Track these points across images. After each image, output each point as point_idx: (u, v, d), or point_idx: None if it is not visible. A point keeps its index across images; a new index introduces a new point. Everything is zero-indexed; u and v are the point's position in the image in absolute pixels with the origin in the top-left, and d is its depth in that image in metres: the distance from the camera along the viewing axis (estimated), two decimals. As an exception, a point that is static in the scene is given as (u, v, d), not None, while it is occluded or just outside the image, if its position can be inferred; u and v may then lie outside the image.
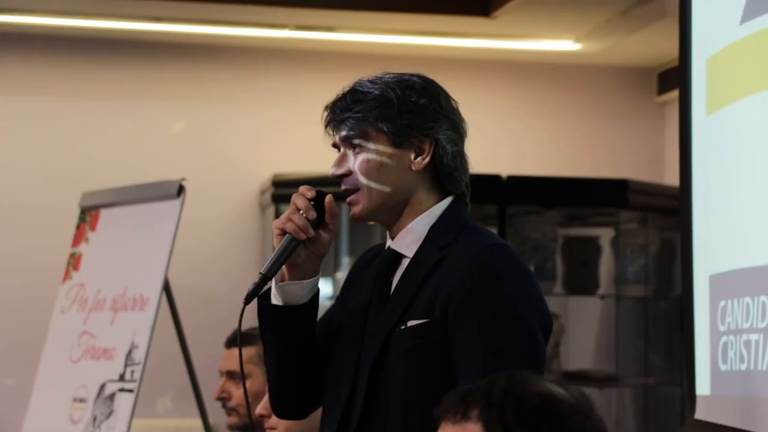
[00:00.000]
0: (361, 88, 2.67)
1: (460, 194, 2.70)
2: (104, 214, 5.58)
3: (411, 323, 2.56)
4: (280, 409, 2.83)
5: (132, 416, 4.86)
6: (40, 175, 6.73)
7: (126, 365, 5.01)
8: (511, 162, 6.93)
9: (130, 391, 4.92)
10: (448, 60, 6.99)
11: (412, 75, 2.71)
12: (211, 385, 5.97)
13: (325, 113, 2.70)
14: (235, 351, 4.24)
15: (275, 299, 2.69)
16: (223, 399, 4.45)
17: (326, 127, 2.70)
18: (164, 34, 6.73)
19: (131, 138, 6.87)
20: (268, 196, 6.67)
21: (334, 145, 2.70)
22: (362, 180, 2.63)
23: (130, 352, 5.02)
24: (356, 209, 2.66)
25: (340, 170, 2.66)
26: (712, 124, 3.19)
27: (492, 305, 2.52)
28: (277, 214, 6.72)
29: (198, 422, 5.48)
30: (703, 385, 3.23)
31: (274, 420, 3.23)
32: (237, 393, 4.45)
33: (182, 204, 5.13)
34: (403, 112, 2.62)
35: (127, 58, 6.89)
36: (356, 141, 2.63)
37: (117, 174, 6.36)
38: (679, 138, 3.39)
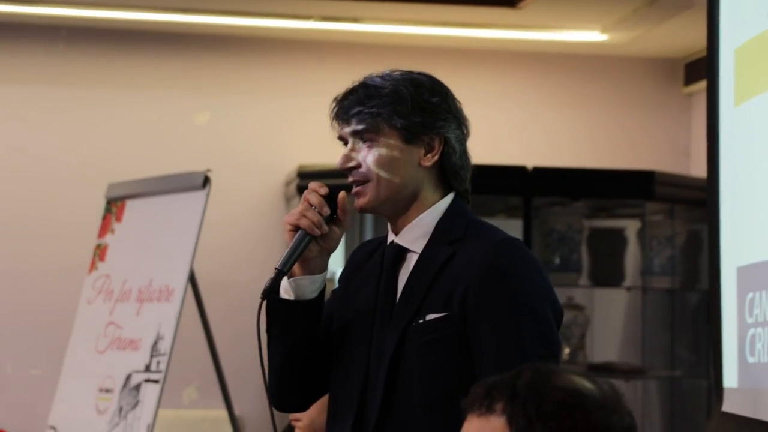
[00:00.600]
0: (373, 83, 2.69)
1: (462, 191, 2.74)
2: (130, 205, 5.59)
3: (429, 317, 2.59)
4: (281, 402, 2.84)
5: (158, 407, 4.88)
6: (66, 166, 6.75)
7: (152, 356, 5.02)
8: (536, 153, 6.91)
9: (156, 381, 4.94)
10: (473, 51, 6.97)
11: (420, 73, 2.73)
12: (236, 375, 6.00)
13: (334, 105, 2.73)
14: None
15: (286, 294, 2.72)
16: None
17: (334, 119, 2.73)
18: (190, 25, 6.74)
19: (157, 129, 6.88)
20: (293, 187, 6.67)
21: (341, 138, 2.74)
22: (373, 172, 2.66)
23: (155, 343, 5.03)
24: (363, 200, 2.68)
25: (350, 163, 2.69)
26: (739, 115, 3.17)
27: (509, 298, 2.57)
28: (303, 206, 6.73)
29: (223, 413, 5.50)
30: (730, 378, 3.22)
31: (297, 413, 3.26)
32: None
33: (207, 195, 5.14)
34: (416, 110, 2.65)
35: (153, 49, 6.90)
36: (368, 135, 2.66)
37: (143, 165, 6.38)
38: (707, 129, 3.38)
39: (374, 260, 2.77)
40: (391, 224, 2.73)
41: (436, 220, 2.68)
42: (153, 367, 4.99)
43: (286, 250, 2.66)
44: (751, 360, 3.04)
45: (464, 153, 2.72)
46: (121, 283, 5.40)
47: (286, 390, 2.81)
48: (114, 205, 5.66)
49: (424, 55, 6.78)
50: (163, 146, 6.83)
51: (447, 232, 2.66)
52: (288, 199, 6.90)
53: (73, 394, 5.38)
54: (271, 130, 6.97)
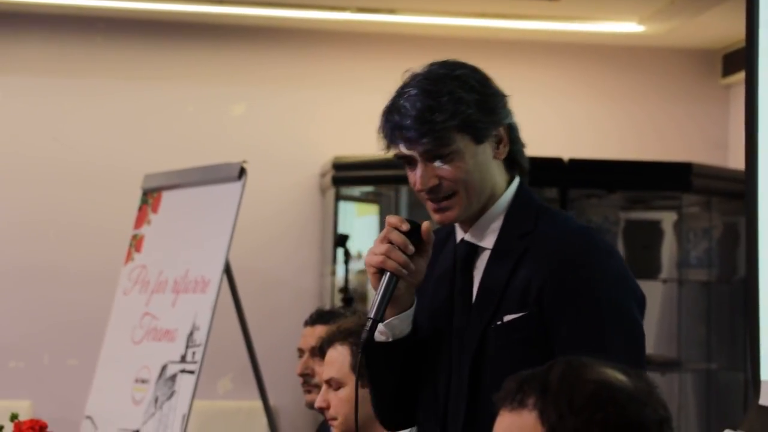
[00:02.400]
0: (427, 95, 2.54)
1: (526, 170, 2.68)
2: (166, 196, 5.61)
3: (507, 318, 2.51)
4: (392, 423, 2.79)
5: (193, 397, 4.89)
6: (103, 157, 6.78)
7: (187, 347, 5.03)
8: (572, 145, 6.89)
9: (192, 372, 4.95)
10: (510, 42, 6.95)
11: (455, 66, 2.61)
12: (271, 366, 6.01)
13: (390, 126, 2.58)
14: (318, 329, 4.25)
15: (382, 337, 2.62)
16: (306, 375, 4.45)
17: (395, 140, 2.58)
18: (226, 16, 6.75)
19: (193, 120, 6.90)
20: (328, 178, 6.67)
21: (402, 157, 2.60)
22: (457, 185, 2.55)
23: (191, 334, 5.05)
24: (452, 214, 2.58)
25: (431, 183, 2.56)
26: (778, 107, 3.15)
27: (587, 294, 2.49)
28: (338, 197, 6.73)
29: (258, 404, 5.51)
30: None
31: (333, 411, 3.27)
32: (321, 370, 4.44)
33: (243, 186, 5.15)
34: (481, 110, 2.56)
35: (189, 41, 6.92)
36: (442, 150, 2.54)
37: (179, 156, 6.40)
38: (745, 120, 3.36)
39: (446, 255, 2.69)
40: (460, 222, 2.65)
41: (505, 212, 2.61)
42: (188, 357, 5.00)
43: (376, 296, 2.57)
44: (788, 353, 3.02)
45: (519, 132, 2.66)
46: (157, 274, 5.41)
47: (399, 412, 2.75)
48: (150, 196, 5.68)
49: (460, 47, 6.77)
50: (199, 137, 6.84)
51: (517, 224, 2.59)
52: (323, 191, 6.90)
53: (110, 384, 5.40)
54: (307, 122, 6.97)
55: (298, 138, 6.95)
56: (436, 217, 2.60)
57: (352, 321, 3.41)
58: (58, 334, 6.69)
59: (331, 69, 6.98)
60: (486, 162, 2.58)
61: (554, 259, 2.50)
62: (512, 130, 2.62)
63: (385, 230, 2.58)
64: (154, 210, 5.63)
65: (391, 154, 2.62)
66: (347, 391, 3.27)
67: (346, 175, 6.63)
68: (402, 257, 2.54)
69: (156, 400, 5.07)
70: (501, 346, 2.51)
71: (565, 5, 6.32)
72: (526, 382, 1.80)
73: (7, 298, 6.69)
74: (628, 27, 6.70)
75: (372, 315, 2.56)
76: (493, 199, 2.60)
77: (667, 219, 6.86)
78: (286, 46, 6.98)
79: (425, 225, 2.57)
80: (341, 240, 6.25)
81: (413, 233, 2.56)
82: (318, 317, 4.42)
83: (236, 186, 5.17)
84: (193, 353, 4.98)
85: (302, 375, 4.43)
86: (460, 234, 2.66)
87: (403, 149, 2.57)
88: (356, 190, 7.03)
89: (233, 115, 6.95)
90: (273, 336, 6.54)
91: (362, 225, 7.19)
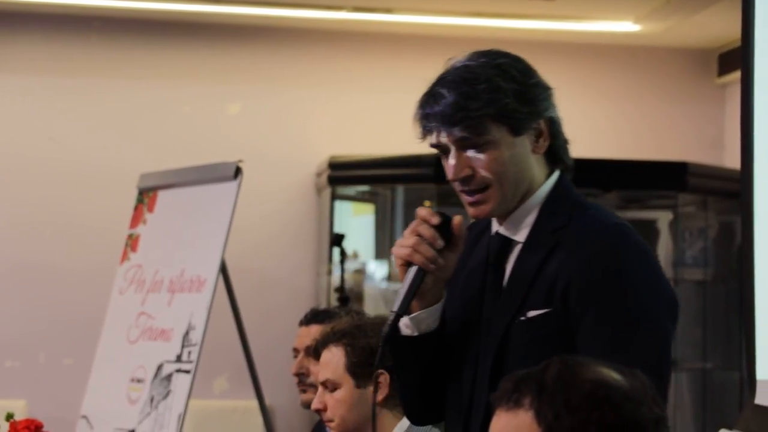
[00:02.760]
0: (464, 81, 2.47)
1: (569, 166, 2.60)
2: (162, 195, 5.60)
3: (531, 314, 2.44)
4: (419, 418, 2.74)
5: (189, 397, 4.89)
6: (98, 156, 6.78)
7: (183, 346, 5.03)
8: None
9: (187, 371, 4.95)
10: (506, 42, 6.92)
11: (497, 55, 2.56)
12: (266, 366, 6.01)
13: (423, 112, 2.50)
14: (313, 328, 4.26)
15: (408, 330, 2.55)
16: (301, 375, 4.45)
17: (429, 128, 2.49)
18: (222, 15, 6.75)
19: (189, 119, 6.90)
20: (324, 177, 6.67)
21: (437, 146, 2.51)
22: (491, 177, 2.47)
23: (187, 333, 5.04)
24: (486, 208, 2.50)
25: (463, 173, 2.48)
26: (774, 106, 3.15)
27: (614, 293, 2.40)
28: (333, 196, 6.73)
29: (254, 403, 5.50)
30: (763, 370, 3.20)
31: (329, 413, 3.26)
32: (315, 370, 4.44)
33: (239, 186, 5.14)
34: (519, 100, 2.48)
35: (185, 40, 6.92)
36: (476, 140, 2.46)
37: (175, 155, 6.40)
38: (741, 119, 3.35)
39: (481, 247, 2.61)
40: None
41: (540, 205, 2.52)
42: (184, 357, 5.00)
43: (401, 289, 2.49)
44: (784, 353, 3.02)
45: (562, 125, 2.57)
46: (153, 274, 5.41)
47: (425, 407, 2.68)
48: (146, 196, 5.68)
49: (456, 46, 6.71)
50: (195, 137, 6.84)
51: (551, 218, 2.50)
52: (319, 190, 6.90)
53: (105, 383, 5.40)
54: (303, 121, 6.97)
55: (294, 137, 6.95)
56: (470, 210, 2.52)
57: (346, 322, 3.39)
58: (54, 334, 6.69)
59: (327, 68, 6.98)
60: (523, 155, 2.50)
61: (582, 257, 2.42)
62: (554, 124, 2.54)
63: (414, 222, 2.50)
64: (150, 209, 5.63)
65: (426, 141, 2.52)
66: (343, 393, 3.26)
67: (342, 175, 6.63)
68: (430, 252, 2.47)
69: (152, 400, 5.06)
70: (524, 341, 2.44)
71: (560, 4, 6.32)
72: (522, 381, 1.80)
73: (2, 297, 6.69)
74: (624, 26, 6.70)
75: (395, 309, 2.48)
76: (530, 192, 2.52)
77: (663, 218, 6.86)
78: (282, 45, 6.98)
79: (456, 219, 2.50)
80: (337, 239, 6.25)
81: (443, 227, 2.48)
82: (313, 317, 4.42)
83: (232, 185, 5.17)
84: (189, 353, 4.98)
85: (297, 375, 4.43)
86: (495, 226, 2.58)
87: (437, 137, 2.49)
88: (352, 190, 7.03)
89: (229, 114, 6.94)
90: (269, 335, 6.54)
91: (358, 224, 7.19)
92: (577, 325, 2.41)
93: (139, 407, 5.12)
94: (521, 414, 1.77)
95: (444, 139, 2.48)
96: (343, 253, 6.27)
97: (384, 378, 3.19)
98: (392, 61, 6.83)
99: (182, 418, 4.87)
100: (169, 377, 5.04)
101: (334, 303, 6.22)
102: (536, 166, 2.53)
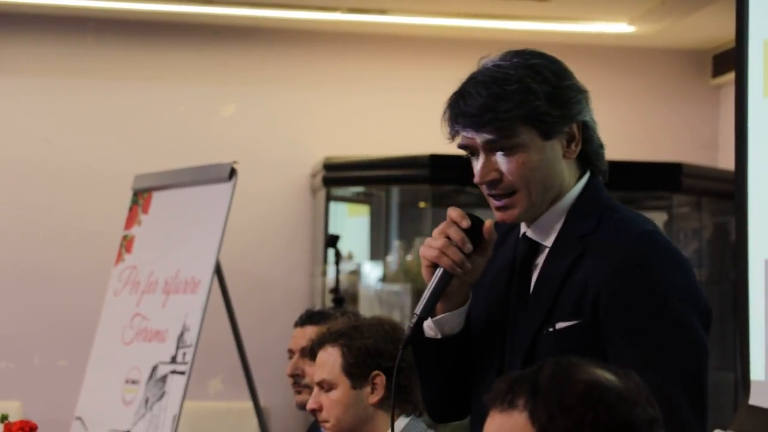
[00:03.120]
0: (494, 82, 2.41)
1: (603, 170, 2.53)
2: (157, 196, 5.60)
3: (559, 326, 2.37)
4: (442, 418, 2.69)
5: (184, 398, 4.89)
6: (93, 158, 6.77)
7: (178, 347, 5.03)
8: (563, 145, 6.89)
9: (182, 373, 4.95)
10: (501, 43, 6.92)
11: (531, 56, 2.52)
12: (261, 367, 6.00)
13: (452, 113, 2.42)
14: (308, 329, 4.25)
15: (431, 332, 2.49)
16: (296, 376, 4.44)
17: (457, 128, 2.43)
18: (216, 16, 6.75)
19: (184, 121, 6.90)
20: (319, 179, 6.67)
21: (465, 147, 2.44)
22: (519, 182, 2.40)
23: (181, 335, 5.04)
24: (513, 213, 2.43)
25: (490, 176, 2.41)
26: (768, 107, 3.15)
27: (645, 303, 2.33)
28: (328, 197, 6.73)
29: (249, 404, 5.51)
30: (757, 370, 3.20)
31: (325, 413, 3.26)
32: (311, 371, 4.43)
33: (234, 187, 5.14)
34: (551, 102, 2.42)
35: (180, 41, 6.91)
36: (505, 142, 2.39)
37: (169, 156, 6.39)
38: (735, 120, 3.36)
39: (507, 249, 2.54)
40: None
41: (568, 209, 2.45)
42: (179, 358, 5.00)
43: (426, 291, 2.43)
44: (778, 353, 3.03)
45: (597, 129, 2.50)
46: (148, 275, 5.41)
47: (448, 407, 2.63)
48: (141, 197, 5.68)
49: (451, 47, 6.76)
50: (189, 138, 6.84)
51: (578, 223, 2.43)
52: (314, 191, 6.90)
53: (100, 385, 5.40)
54: (298, 122, 6.97)
55: (289, 138, 6.95)
56: (497, 215, 2.46)
57: (342, 322, 3.39)
58: (49, 335, 6.68)
59: (322, 69, 6.98)
60: (553, 160, 2.43)
61: (612, 266, 2.34)
62: (587, 129, 2.47)
63: (444, 224, 2.44)
64: (145, 210, 5.63)
65: (454, 142, 2.46)
66: (339, 393, 3.26)
67: (337, 176, 6.63)
68: (458, 255, 2.40)
69: (146, 401, 5.06)
70: (552, 353, 2.29)
71: (555, 6, 6.33)
72: (516, 382, 1.80)
73: (-3, 298, 6.68)
74: (619, 27, 6.71)
75: (418, 311, 2.43)
76: (559, 197, 2.45)
77: (657, 219, 6.86)
78: (276, 46, 6.98)
79: (488, 223, 2.43)
80: (332, 240, 6.25)
81: (473, 230, 2.42)
82: (308, 318, 4.41)
83: (227, 186, 5.17)
84: (184, 354, 4.98)
85: (292, 376, 4.43)
86: (523, 227, 2.51)
87: (464, 138, 2.43)
88: (347, 191, 7.03)
89: (224, 115, 6.94)
90: (264, 336, 6.53)
91: (353, 225, 7.19)
92: (608, 337, 2.34)
93: (133, 408, 5.12)
94: (515, 415, 1.77)
95: (471, 140, 2.42)
96: (338, 254, 6.27)
97: (380, 379, 3.19)
98: (387, 62, 6.83)
99: (177, 420, 4.87)
100: (163, 378, 5.04)
101: (329, 304, 6.22)
102: (566, 170, 2.46)
